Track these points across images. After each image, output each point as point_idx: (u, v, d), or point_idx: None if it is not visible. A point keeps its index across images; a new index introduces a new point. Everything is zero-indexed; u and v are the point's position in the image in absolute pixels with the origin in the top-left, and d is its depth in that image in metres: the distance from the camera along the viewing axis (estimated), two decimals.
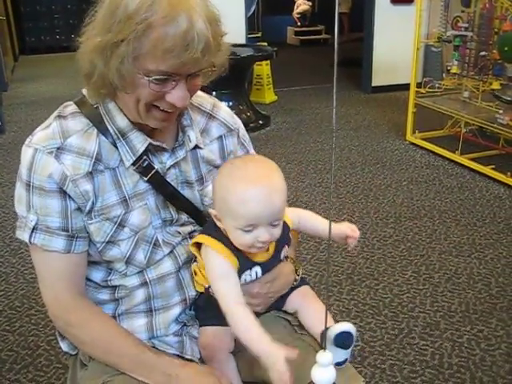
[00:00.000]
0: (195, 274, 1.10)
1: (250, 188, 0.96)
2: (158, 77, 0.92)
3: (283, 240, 1.07)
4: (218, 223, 1.02)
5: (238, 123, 1.23)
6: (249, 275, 1.05)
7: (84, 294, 1.10)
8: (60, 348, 1.21)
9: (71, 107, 1.06)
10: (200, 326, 1.13)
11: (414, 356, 2.05)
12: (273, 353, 0.91)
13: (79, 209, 1.02)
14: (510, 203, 3.33)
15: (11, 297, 2.43)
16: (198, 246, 1.06)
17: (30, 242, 1.03)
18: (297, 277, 1.15)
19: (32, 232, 1.02)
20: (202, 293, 1.10)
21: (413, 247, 2.82)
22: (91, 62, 0.94)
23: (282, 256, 1.09)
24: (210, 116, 1.17)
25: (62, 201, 1.01)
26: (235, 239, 1.00)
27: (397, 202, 3.37)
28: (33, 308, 2.33)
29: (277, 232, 1.01)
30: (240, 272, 1.03)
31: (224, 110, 1.21)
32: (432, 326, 2.21)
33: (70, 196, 1.01)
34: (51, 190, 1.00)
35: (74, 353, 1.18)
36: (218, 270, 1.01)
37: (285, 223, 1.06)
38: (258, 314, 1.11)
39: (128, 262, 1.07)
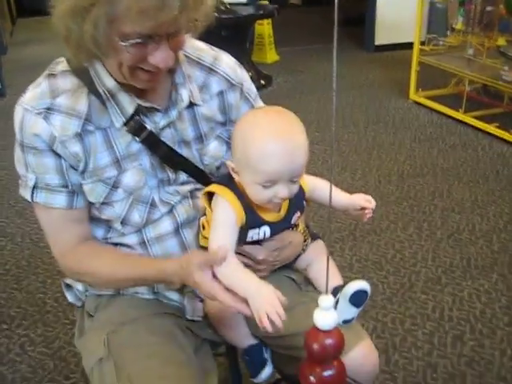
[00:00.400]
0: (203, 228, 1.07)
1: (272, 142, 0.92)
2: (135, 40, 0.87)
3: (297, 204, 1.05)
4: (235, 176, 0.99)
5: (241, 77, 1.16)
6: (256, 233, 1.02)
7: (88, 236, 1.10)
8: (67, 304, 1.23)
9: (62, 64, 1.03)
10: None
11: (416, 309, 2.08)
12: (263, 287, 0.89)
13: (72, 167, 1.02)
14: None
15: (18, 256, 2.46)
16: (210, 198, 1.03)
17: (33, 201, 1.04)
18: (304, 247, 1.14)
19: (33, 190, 1.03)
20: (203, 247, 1.08)
21: (415, 204, 2.83)
22: (66, 26, 0.89)
23: (293, 220, 1.07)
24: (210, 70, 1.12)
25: (56, 159, 1.01)
26: (252, 194, 0.97)
27: (400, 159, 3.36)
28: (39, 267, 2.37)
29: (295, 188, 0.98)
30: (248, 228, 1.01)
31: (226, 62, 1.14)
32: (433, 281, 2.24)
33: (61, 156, 1.00)
34: (43, 148, 1.00)
35: (79, 304, 1.21)
36: (222, 219, 0.98)
37: (301, 188, 1.03)
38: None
39: (124, 222, 1.07)
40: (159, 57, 0.91)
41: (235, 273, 0.93)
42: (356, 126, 3.90)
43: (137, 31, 0.86)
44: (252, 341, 1.22)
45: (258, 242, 1.05)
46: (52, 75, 1.02)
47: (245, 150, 0.94)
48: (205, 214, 1.07)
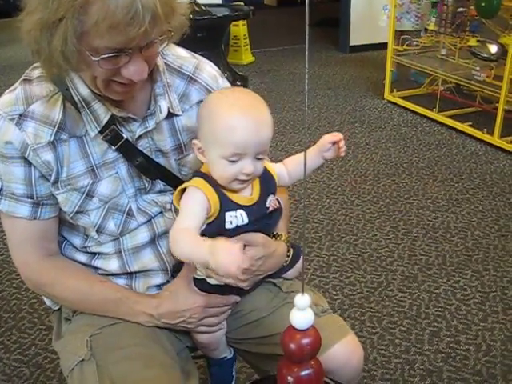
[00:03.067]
0: None
1: (240, 115, 0.94)
2: (106, 55, 0.85)
3: (269, 188, 1.05)
4: (200, 156, 1.00)
5: (222, 86, 1.14)
6: (234, 217, 0.99)
7: (54, 253, 1.10)
8: (43, 310, 1.22)
9: (39, 70, 1.01)
10: None
11: (393, 307, 2.10)
12: (217, 243, 0.85)
13: (44, 176, 1.00)
14: (485, 159, 3.38)
15: None
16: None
17: None
18: (287, 258, 1.13)
19: None
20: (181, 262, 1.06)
21: (391, 203, 2.86)
22: (35, 40, 0.86)
23: (267, 203, 1.05)
24: (191, 79, 1.10)
25: (26, 168, 0.99)
26: (218, 171, 0.97)
27: (375, 159, 3.39)
28: (14, 272, 2.32)
29: (260, 166, 0.98)
30: (223, 211, 0.98)
31: (208, 71, 1.12)
32: (410, 279, 2.26)
33: (32, 164, 0.99)
34: (12, 156, 0.98)
35: (56, 308, 1.19)
36: (189, 203, 0.96)
37: (268, 173, 1.05)
38: (244, 292, 1.10)
39: (99, 231, 1.06)
40: (132, 69, 0.89)
41: (191, 244, 0.91)
42: (332, 126, 3.92)
43: (107, 46, 0.84)
44: (228, 354, 1.24)
45: (238, 229, 1.01)
46: (28, 81, 1.00)
47: (212, 124, 0.96)
48: None
